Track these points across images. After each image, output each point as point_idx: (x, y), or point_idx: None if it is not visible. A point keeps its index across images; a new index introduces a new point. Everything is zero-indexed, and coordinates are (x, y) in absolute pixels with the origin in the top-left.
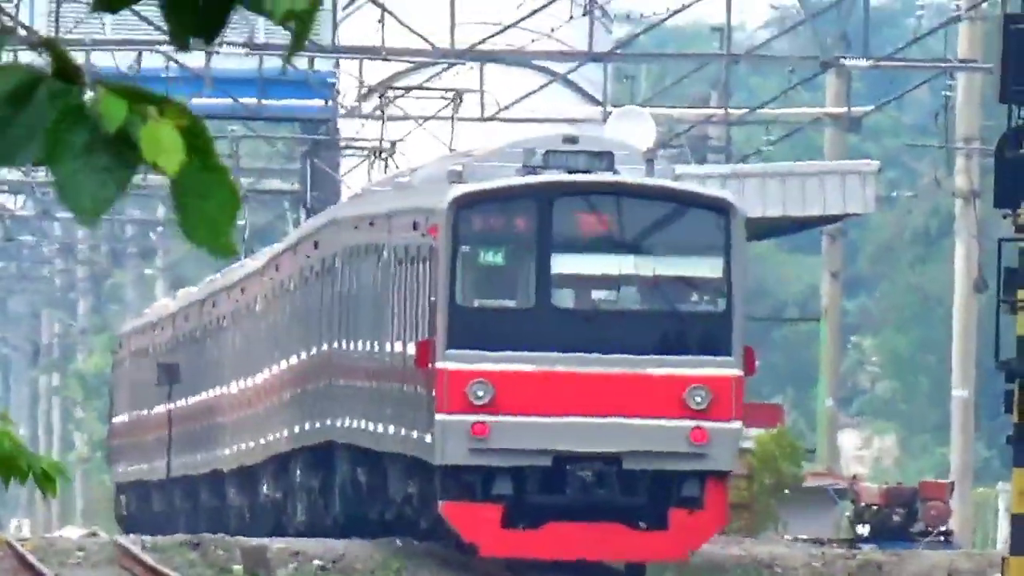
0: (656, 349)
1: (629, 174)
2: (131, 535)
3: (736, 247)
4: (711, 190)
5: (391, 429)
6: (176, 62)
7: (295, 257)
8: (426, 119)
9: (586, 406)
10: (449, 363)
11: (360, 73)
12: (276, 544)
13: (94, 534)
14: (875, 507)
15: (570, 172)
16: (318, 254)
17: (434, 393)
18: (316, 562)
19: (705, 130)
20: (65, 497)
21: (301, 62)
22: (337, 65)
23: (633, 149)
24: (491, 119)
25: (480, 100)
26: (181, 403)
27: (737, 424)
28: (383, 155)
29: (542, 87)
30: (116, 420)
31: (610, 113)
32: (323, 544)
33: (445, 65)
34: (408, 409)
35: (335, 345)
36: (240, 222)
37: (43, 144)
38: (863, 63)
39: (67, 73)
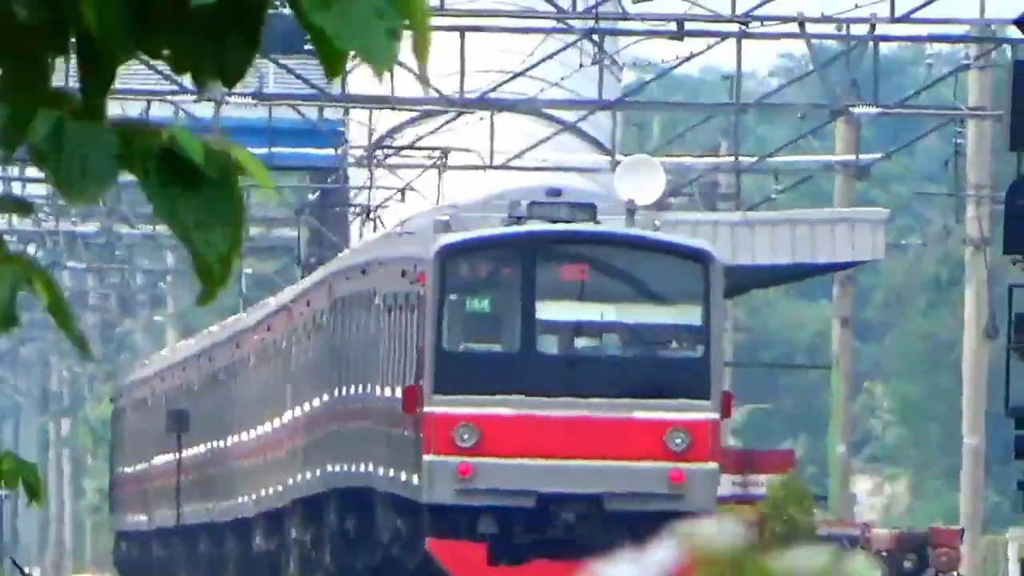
0: (637, 393)
1: (611, 225)
2: None
3: (714, 294)
4: (690, 240)
5: (380, 471)
6: (185, 112)
7: (289, 317)
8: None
9: (569, 448)
10: (436, 407)
11: (370, 122)
12: None
13: None
14: (886, 553)
15: (553, 223)
16: (309, 310)
17: (421, 435)
18: None
19: (715, 177)
20: (77, 546)
21: (311, 111)
22: (347, 113)
23: (615, 200)
24: (500, 167)
25: (490, 148)
26: (188, 452)
27: (714, 466)
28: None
29: (551, 136)
30: (119, 470)
31: (619, 162)
32: None
33: (454, 114)
34: (398, 452)
35: (326, 397)
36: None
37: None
38: (873, 111)
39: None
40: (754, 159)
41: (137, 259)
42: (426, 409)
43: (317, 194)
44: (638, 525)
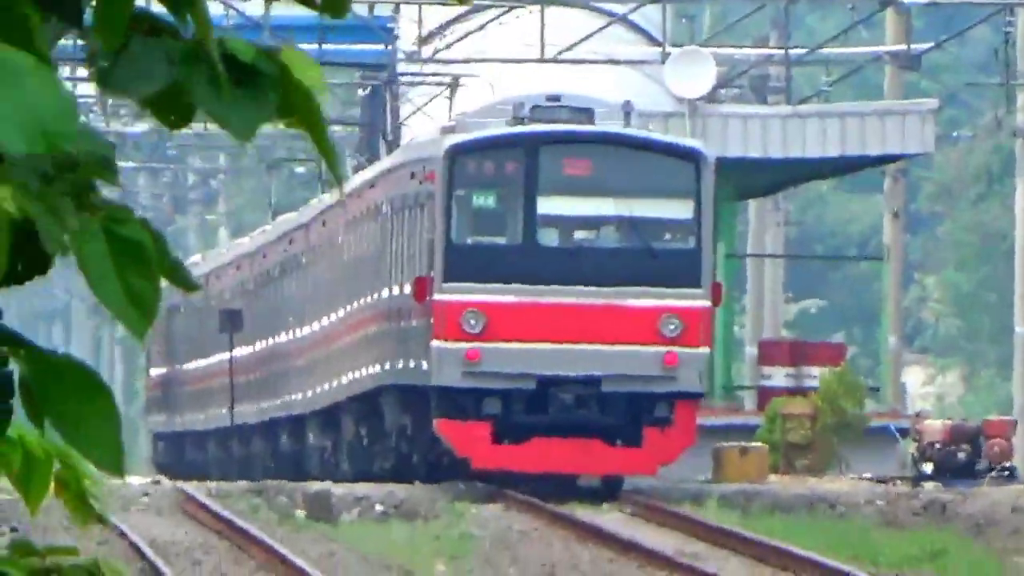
0: (632, 282)
1: (608, 128)
2: (195, 482)
3: (705, 191)
4: (683, 139)
5: (390, 365)
6: (236, 10)
7: (311, 233)
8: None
9: (568, 334)
10: (445, 295)
11: (420, 17)
12: (338, 490)
13: (158, 482)
14: (938, 445)
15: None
16: (326, 231)
17: (431, 323)
18: (378, 507)
19: (766, 70)
20: (130, 445)
21: (361, 8)
22: (397, 10)
23: (613, 106)
24: (551, 61)
25: (541, 41)
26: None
27: (705, 350)
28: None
29: (602, 28)
30: (155, 372)
31: (670, 54)
32: (384, 489)
33: (505, 7)
34: (408, 343)
35: (346, 306)
36: None
37: (169, 71)
38: (923, 0)
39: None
40: (804, 51)
41: (189, 159)
42: (435, 297)
43: (368, 91)
44: (633, 405)
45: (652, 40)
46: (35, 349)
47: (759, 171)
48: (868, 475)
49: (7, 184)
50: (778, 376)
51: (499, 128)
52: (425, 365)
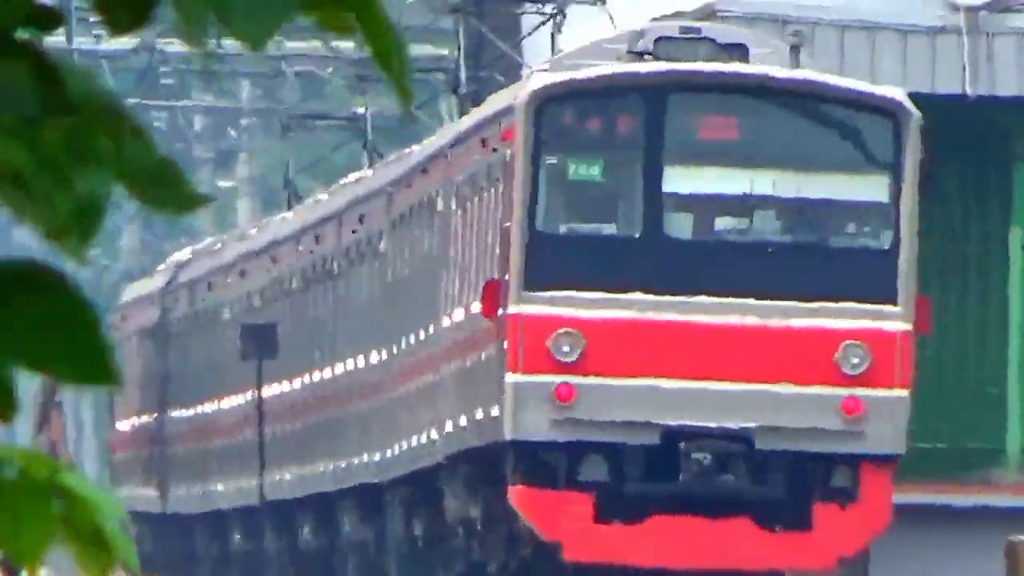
0: (800, 293)
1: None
2: None
3: (908, 163)
4: (878, 87)
5: (447, 427)
6: None
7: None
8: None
9: (706, 367)
10: (525, 307)
11: None
12: None
13: None
14: None
15: None
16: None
17: (505, 347)
18: None
19: None
20: None
21: None
22: None
23: (777, 46)
24: None
25: None
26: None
27: (902, 394)
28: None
29: None
30: (125, 425)
31: None
32: None
33: None
34: (475, 385)
35: (362, 358)
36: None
37: None
38: None
39: None
40: None
41: (195, 94)
42: (511, 310)
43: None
44: (799, 471)
45: None
46: None
47: None
48: None
49: None
50: None
51: (609, 66)
52: (496, 411)
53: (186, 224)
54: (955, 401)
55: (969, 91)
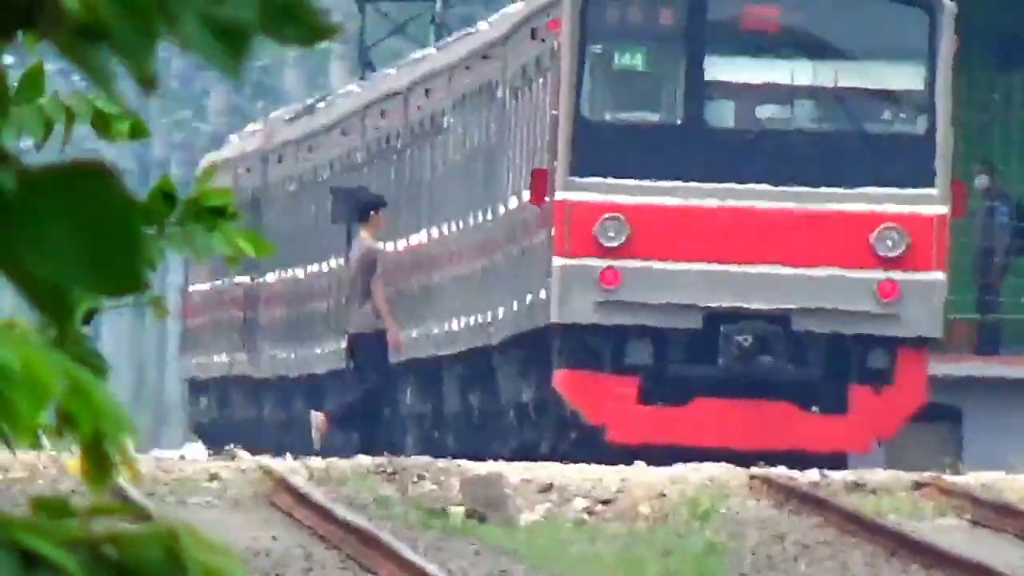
0: (837, 179)
1: None
2: (287, 457)
3: (943, 52)
4: None
5: (500, 312)
6: None
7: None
8: None
9: (746, 251)
10: (572, 193)
11: None
12: (515, 472)
13: (233, 456)
14: None
15: None
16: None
17: (552, 232)
18: (580, 501)
19: None
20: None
21: None
22: None
23: None
24: None
25: None
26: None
27: (939, 276)
28: None
29: None
30: (199, 288)
31: None
32: (585, 474)
33: None
34: (525, 272)
35: (450, 224)
36: None
37: None
38: None
39: None
40: None
41: None
42: (558, 196)
43: None
44: (836, 352)
45: None
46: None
47: None
48: None
49: None
50: None
51: None
52: (544, 294)
53: (273, 87)
54: None
55: None
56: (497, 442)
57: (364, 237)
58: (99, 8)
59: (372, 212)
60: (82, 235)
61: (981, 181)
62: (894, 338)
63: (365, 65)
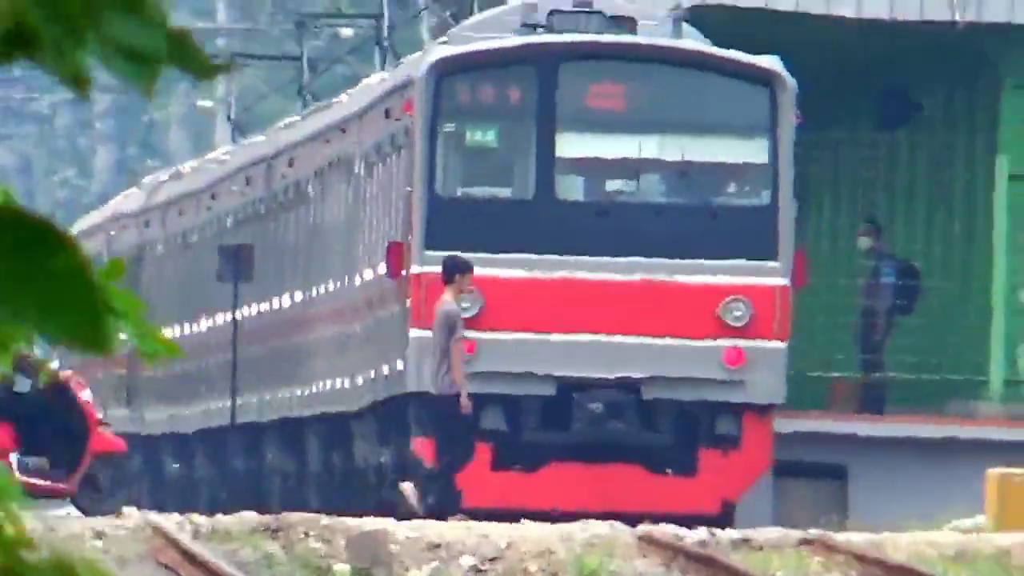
0: (684, 252)
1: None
2: (173, 514)
3: (784, 127)
4: (754, 57)
5: (359, 381)
6: None
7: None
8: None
9: (597, 321)
10: (427, 267)
11: None
12: (402, 530)
13: (119, 514)
14: None
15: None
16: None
17: (408, 305)
18: (467, 559)
19: None
20: None
21: None
22: None
23: (661, 18)
24: None
25: None
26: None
27: (780, 345)
28: None
29: None
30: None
31: None
32: (473, 530)
33: None
34: (383, 341)
35: (315, 288)
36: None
37: None
38: None
39: None
40: None
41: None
42: (414, 270)
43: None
44: (685, 418)
45: None
46: None
47: None
48: None
49: None
50: None
51: (503, 39)
52: (401, 365)
53: (160, 146)
54: (940, 332)
55: (957, 18)
56: (357, 500)
57: (447, 300)
58: (27, 11)
59: (457, 274)
60: (57, 292)
61: (864, 242)
62: (740, 404)
63: (234, 128)
